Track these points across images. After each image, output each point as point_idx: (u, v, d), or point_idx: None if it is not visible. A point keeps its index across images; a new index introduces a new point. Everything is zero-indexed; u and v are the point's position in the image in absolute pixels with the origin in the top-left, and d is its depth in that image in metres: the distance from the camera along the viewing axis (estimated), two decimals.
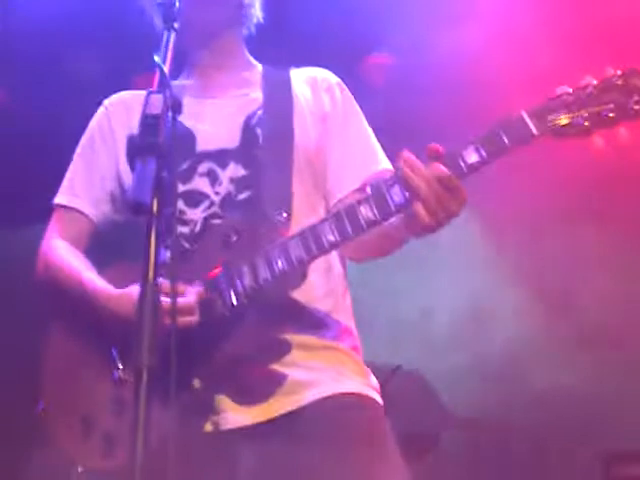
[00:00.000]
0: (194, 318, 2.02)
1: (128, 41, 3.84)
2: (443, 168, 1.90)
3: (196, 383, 2.06)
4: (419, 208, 1.91)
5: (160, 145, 1.57)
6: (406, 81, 4.45)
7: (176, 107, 1.65)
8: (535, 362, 4.73)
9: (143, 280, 1.55)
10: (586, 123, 1.87)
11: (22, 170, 4.67)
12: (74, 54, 4.34)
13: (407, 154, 1.95)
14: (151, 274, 1.54)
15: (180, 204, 2.23)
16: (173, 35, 1.81)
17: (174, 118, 1.64)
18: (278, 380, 2.13)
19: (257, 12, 2.49)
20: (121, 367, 2.10)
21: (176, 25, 1.82)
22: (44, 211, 2.47)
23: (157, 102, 1.63)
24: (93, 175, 2.41)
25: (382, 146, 2.41)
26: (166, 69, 1.72)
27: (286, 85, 2.41)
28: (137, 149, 1.57)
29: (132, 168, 1.58)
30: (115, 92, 2.54)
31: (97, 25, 4.23)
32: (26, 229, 4.05)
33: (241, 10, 2.45)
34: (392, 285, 4.94)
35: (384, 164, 2.35)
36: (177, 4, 1.85)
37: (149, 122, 1.60)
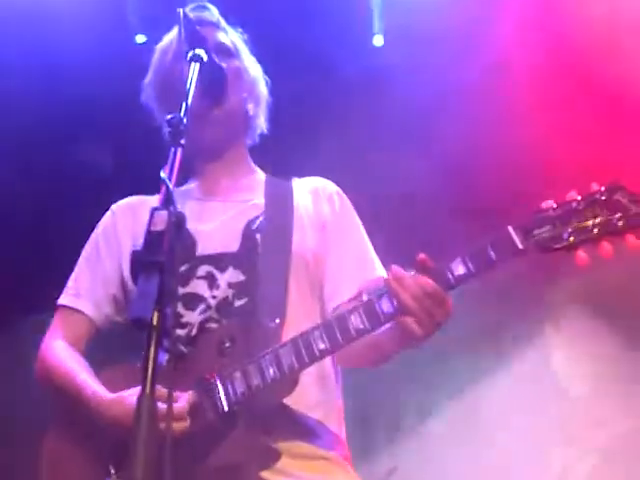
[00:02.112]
0: (185, 424, 2.04)
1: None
2: (430, 281, 1.96)
3: None
4: (407, 320, 1.98)
5: (163, 262, 1.61)
6: None
7: (180, 224, 1.70)
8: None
9: (141, 393, 1.56)
10: (571, 238, 1.92)
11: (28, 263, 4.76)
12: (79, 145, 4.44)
13: (395, 268, 2.03)
14: (148, 389, 1.56)
15: (178, 307, 2.27)
16: (180, 151, 1.88)
17: (177, 235, 1.69)
18: None
19: (262, 123, 2.58)
20: (113, 472, 2.12)
21: (183, 142, 1.89)
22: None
23: (162, 219, 1.69)
24: (97, 278, 2.46)
25: None
26: (171, 185, 1.78)
27: (287, 193, 2.48)
28: (140, 265, 1.62)
29: (135, 282, 1.63)
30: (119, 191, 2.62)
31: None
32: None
33: (247, 123, 2.54)
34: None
35: (379, 272, 2.40)
36: (184, 121, 1.91)
37: (153, 238, 1.65)
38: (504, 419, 4.77)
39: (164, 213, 1.69)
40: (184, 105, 1.95)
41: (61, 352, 2.35)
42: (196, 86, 2.11)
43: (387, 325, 2.05)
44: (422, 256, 2.02)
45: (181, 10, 2.16)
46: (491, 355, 4.98)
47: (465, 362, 4.95)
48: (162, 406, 1.64)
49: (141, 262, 1.62)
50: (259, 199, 2.47)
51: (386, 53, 4.59)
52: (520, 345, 4.97)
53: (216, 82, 2.29)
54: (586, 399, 4.75)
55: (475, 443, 4.72)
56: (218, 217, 2.43)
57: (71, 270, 2.54)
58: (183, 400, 2.06)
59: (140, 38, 4.63)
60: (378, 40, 4.68)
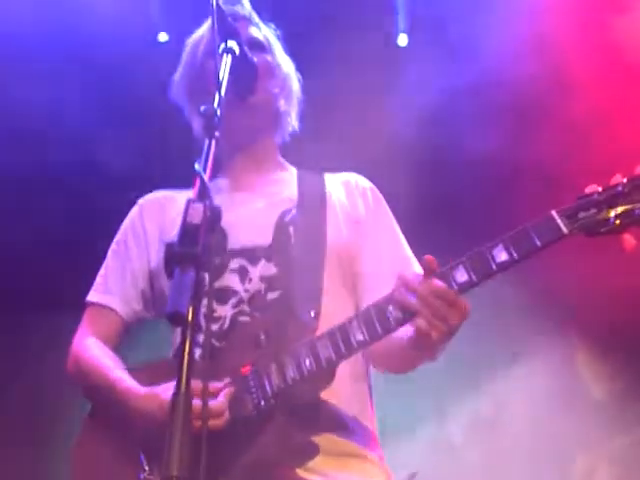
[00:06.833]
0: (223, 420, 2.00)
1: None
2: (439, 282, 1.91)
3: None
4: (418, 322, 1.92)
5: (199, 256, 1.57)
6: None
7: (216, 217, 1.66)
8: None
9: (176, 389, 1.52)
10: (617, 221, 1.88)
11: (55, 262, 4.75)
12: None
13: (401, 274, 2.00)
14: (184, 385, 1.52)
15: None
16: (214, 143, 1.84)
17: (213, 229, 1.65)
18: None
19: (293, 121, 2.54)
20: (147, 469, 2.09)
21: (217, 134, 1.85)
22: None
23: (197, 211, 1.65)
24: (125, 274, 2.44)
25: None
26: (206, 178, 1.75)
27: (320, 187, 2.45)
28: (176, 258, 1.57)
29: (169, 276, 1.58)
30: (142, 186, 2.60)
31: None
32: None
33: (277, 119, 2.50)
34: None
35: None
36: (218, 113, 1.87)
37: (189, 231, 1.61)
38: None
39: (200, 206, 1.65)
40: (217, 97, 1.91)
41: (93, 349, 2.33)
42: (227, 79, 2.08)
43: None
44: (428, 257, 1.96)
45: (214, 2, 2.12)
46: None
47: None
48: (198, 402, 1.60)
49: (176, 255, 1.58)
50: (291, 192, 2.43)
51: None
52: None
53: (247, 76, 2.26)
54: None
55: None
56: (248, 209, 2.39)
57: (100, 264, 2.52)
58: (221, 395, 2.03)
59: (163, 36, 4.62)
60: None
